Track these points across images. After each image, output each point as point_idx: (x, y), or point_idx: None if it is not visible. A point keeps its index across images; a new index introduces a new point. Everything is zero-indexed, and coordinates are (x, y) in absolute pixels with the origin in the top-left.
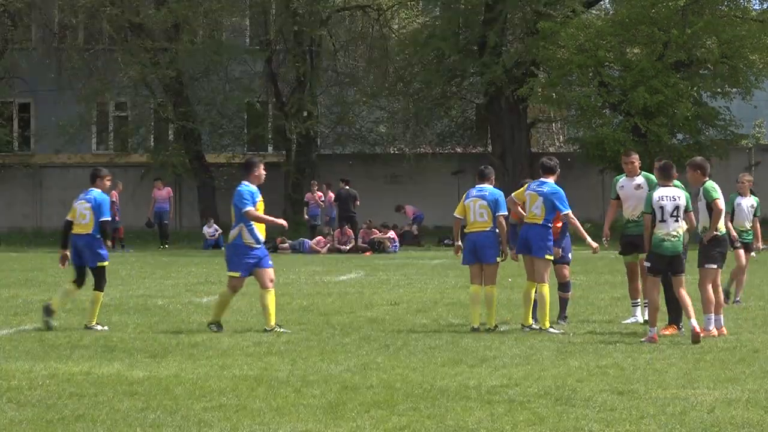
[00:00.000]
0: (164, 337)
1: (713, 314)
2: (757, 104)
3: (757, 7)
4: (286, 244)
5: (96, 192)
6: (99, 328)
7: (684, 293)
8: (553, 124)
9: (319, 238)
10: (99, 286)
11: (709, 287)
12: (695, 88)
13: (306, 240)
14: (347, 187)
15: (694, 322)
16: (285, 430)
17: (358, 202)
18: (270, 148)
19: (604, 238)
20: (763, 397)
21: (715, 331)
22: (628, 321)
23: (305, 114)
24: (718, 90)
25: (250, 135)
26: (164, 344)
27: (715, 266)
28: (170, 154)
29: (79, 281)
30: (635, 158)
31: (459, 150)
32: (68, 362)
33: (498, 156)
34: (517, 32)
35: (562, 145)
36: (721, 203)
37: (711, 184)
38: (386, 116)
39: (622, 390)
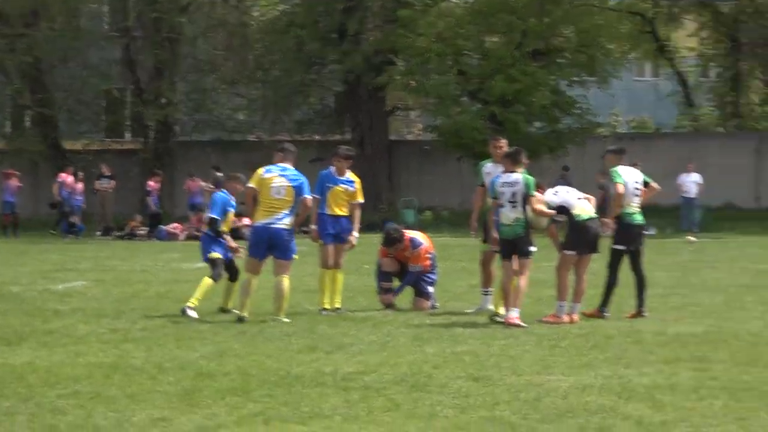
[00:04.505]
0: (19, 325)
1: (565, 301)
2: (614, 93)
3: None
4: (143, 230)
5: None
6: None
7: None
8: (412, 112)
9: (176, 224)
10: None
11: (565, 273)
12: (553, 77)
13: (162, 227)
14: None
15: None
16: (140, 418)
17: None
18: (128, 135)
19: (472, 232)
20: (617, 383)
21: (566, 318)
22: (471, 310)
23: (163, 101)
24: (575, 78)
25: (108, 122)
26: (18, 331)
27: (573, 252)
28: (26, 140)
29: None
30: (504, 143)
31: (318, 137)
32: None
33: (357, 143)
34: (377, 20)
35: (420, 133)
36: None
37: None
38: (245, 103)
39: (477, 376)
